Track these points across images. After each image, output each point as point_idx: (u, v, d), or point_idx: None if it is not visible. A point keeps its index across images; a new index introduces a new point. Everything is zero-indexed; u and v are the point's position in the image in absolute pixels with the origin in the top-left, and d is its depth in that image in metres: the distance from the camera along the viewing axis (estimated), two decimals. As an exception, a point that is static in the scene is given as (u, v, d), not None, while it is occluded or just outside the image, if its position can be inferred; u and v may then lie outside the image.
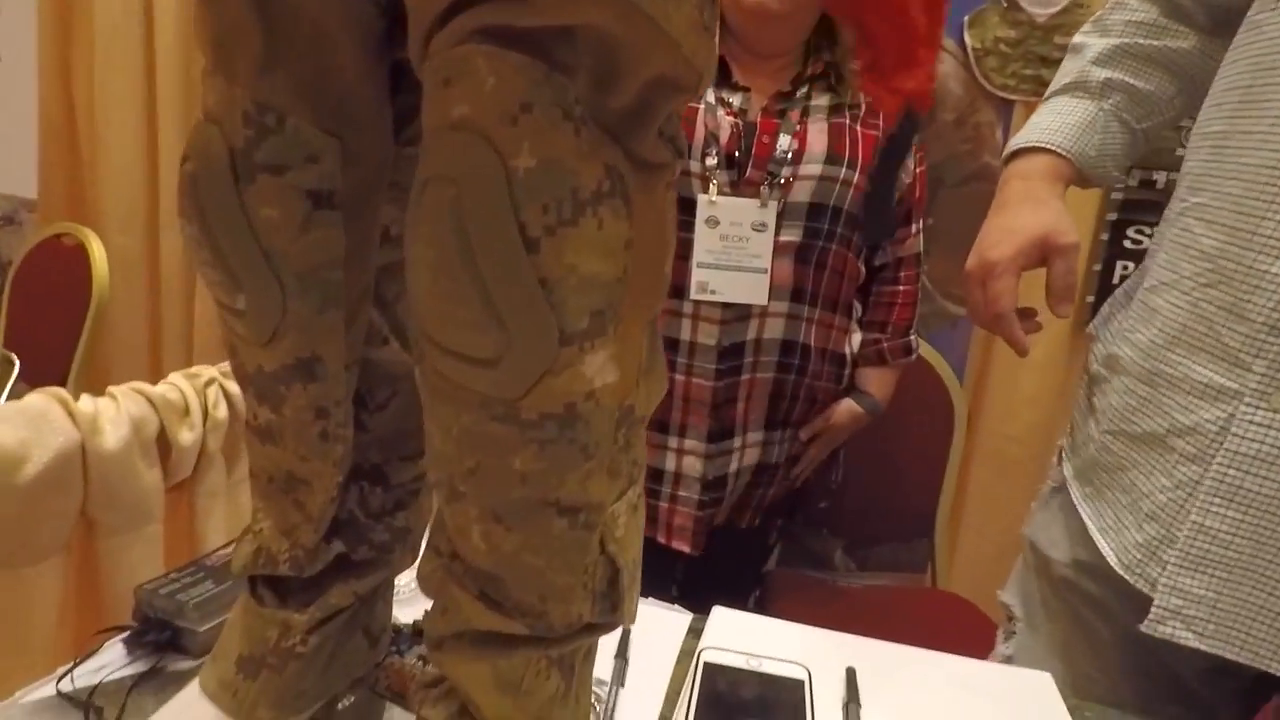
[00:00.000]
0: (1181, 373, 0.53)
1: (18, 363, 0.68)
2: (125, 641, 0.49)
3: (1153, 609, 0.52)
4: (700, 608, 0.62)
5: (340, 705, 0.47)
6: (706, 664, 0.52)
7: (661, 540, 1.15)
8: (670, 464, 1.15)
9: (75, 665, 0.46)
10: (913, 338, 1.21)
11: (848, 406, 1.20)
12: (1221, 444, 0.49)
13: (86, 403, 0.51)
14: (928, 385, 1.36)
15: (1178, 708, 0.57)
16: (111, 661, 0.47)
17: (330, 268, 0.34)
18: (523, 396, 0.29)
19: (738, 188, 1.05)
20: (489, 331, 0.28)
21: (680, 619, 0.61)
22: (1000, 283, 0.61)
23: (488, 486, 0.31)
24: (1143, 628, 0.52)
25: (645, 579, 0.47)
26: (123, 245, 1.68)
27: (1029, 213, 0.63)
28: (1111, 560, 0.55)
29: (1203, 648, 0.50)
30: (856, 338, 1.21)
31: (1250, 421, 0.48)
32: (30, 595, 0.49)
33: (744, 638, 0.55)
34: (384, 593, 0.47)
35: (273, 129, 0.31)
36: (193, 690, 0.41)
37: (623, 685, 0.53)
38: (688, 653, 0.56)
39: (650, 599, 0.64)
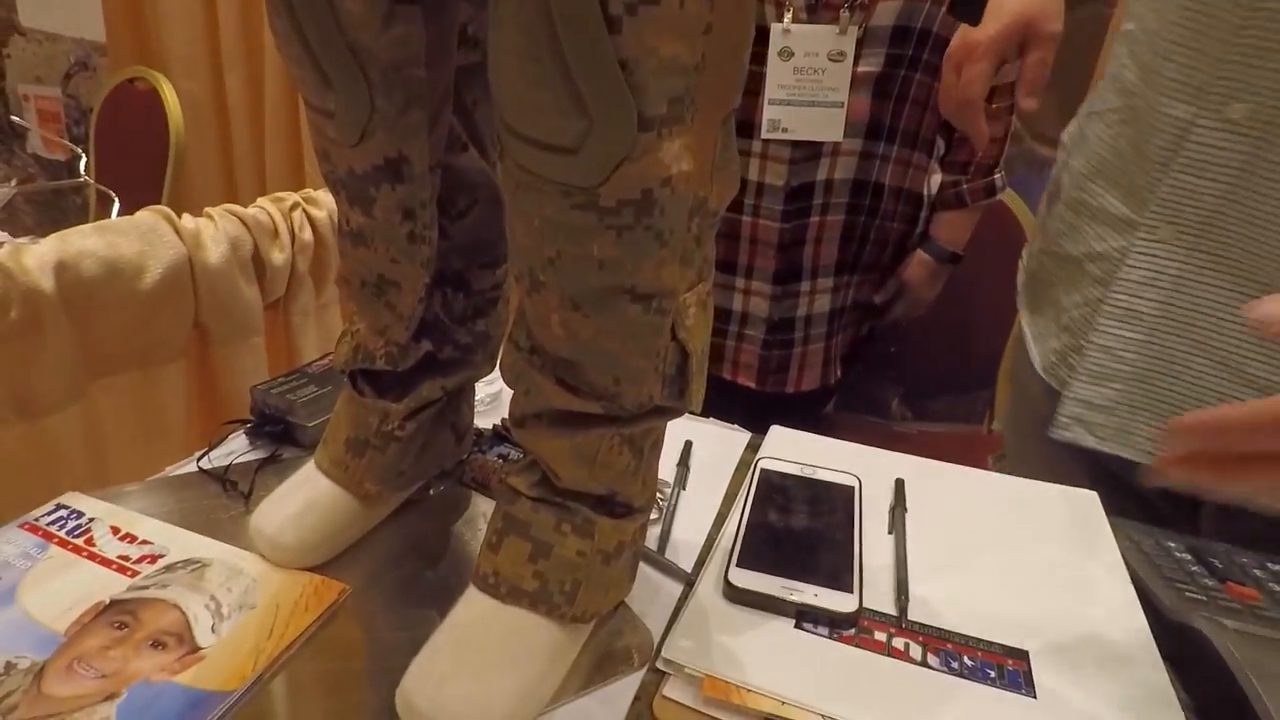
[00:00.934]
0: (1099, 204, 0.57)
1: (117, 200, 0.73)
2: (246, 433, 0.55)
3: (1057, 417, 0.59)
4: (760, 434, 0.65)
5: (432, 492, 0.53)
6: (763, 470, 0.56)
7: (727, 376, 1.19)
8: (737, 304, 1.16)
9: (209, 449, 0.53)
10: (998, 176, 1.14)
11: (920, 262, 1.17)
12: (1119, 270, 0.55)
13: (189, 220, 0.55)
14: (1005, 231, 1.31)
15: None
16: (237, 448, 0.54)
17: (413, 64, 0.35)
18: (602, 183, 0.30)
19: (815, 13, 0.98)
20: (571, 117, 0.29)
21: (740, 436, 0.65)
22: (975, 68, 0.61)
23: (567, 274, 0.33)
24: (1050, 434, 0.59)
25: (709, 409, 0.50)
26: (189, 90, 1.70)
27: None
28: (1036, 364, 0.63)
29: (1101, 449, 0.58)
30: (936, 179, 1.15)
31: (1142, 253, 0.54)
32: (163, 391, 0.56)
33: (800, 452, 0.58)
34: (467, 395, 0.51)
35: None
36: (310, 468, 0.46)
37: (684, 488, 0.57)
38: (745, 464, 0.60)
39: (711, 419, 0.68)
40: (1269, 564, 0.52)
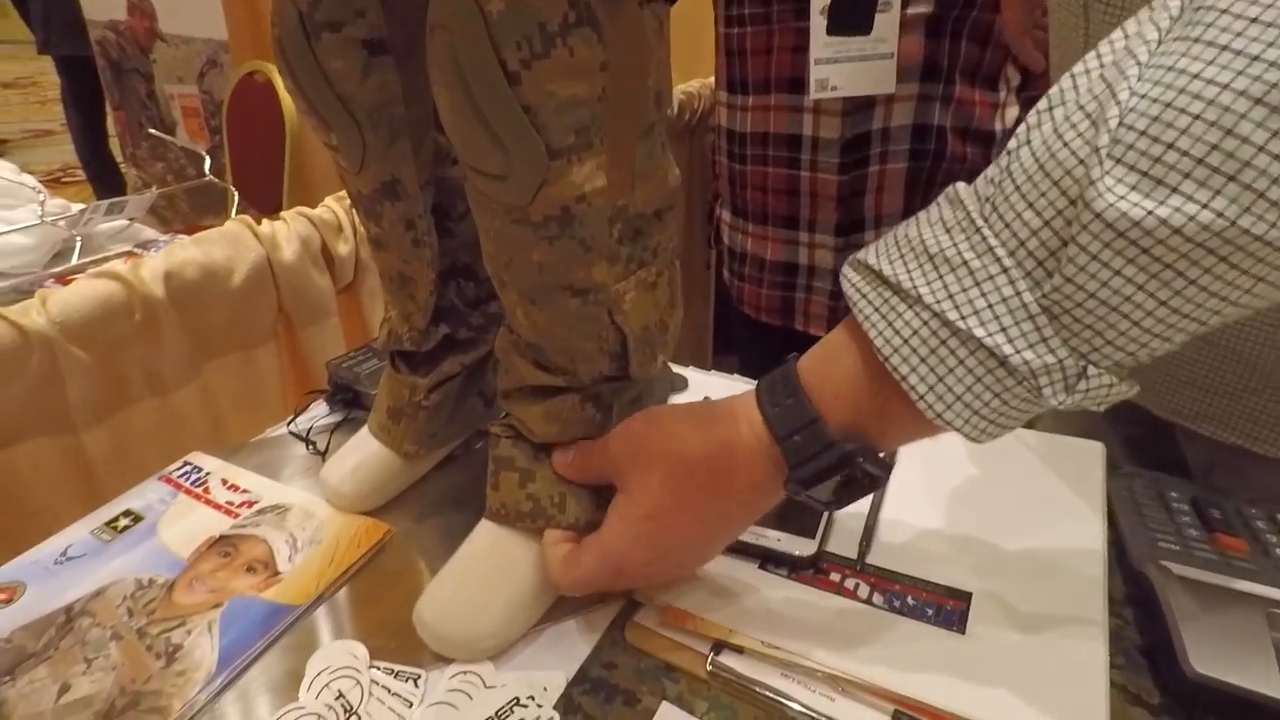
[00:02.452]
0: None
1: (236, 194, 0.86)
2: (325, 400, 0.66)
3: None
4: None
5: (475, 447, 0.62)
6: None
7: (799, 328, 1.21)
8: (803, 258, 1.18)
9: (296, 415, 0.64)
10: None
11: None
12: None
13: (266, 226, 0.66)
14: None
15: None
16: (319, 414, 0.65)
17: (392, 104, 0.42)
18: (530, 203, 0.36)
19: (857, -38, 0.96)
20: (494, 154, 0.35)
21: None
22: None
23: (519, 276, 0.40)
24: None
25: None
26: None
27: None
28: None
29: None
30: (1013, 111, 1.10)
31: None
32: (260, 368, 0.69)
33: None
34: (491, 366, 0.60)
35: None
36: (364, 431, 0.56)
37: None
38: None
39: (736, 376, 0.73)
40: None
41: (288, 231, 0.68)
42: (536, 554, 0.45)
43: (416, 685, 0.42)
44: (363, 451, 0.55)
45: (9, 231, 0.92)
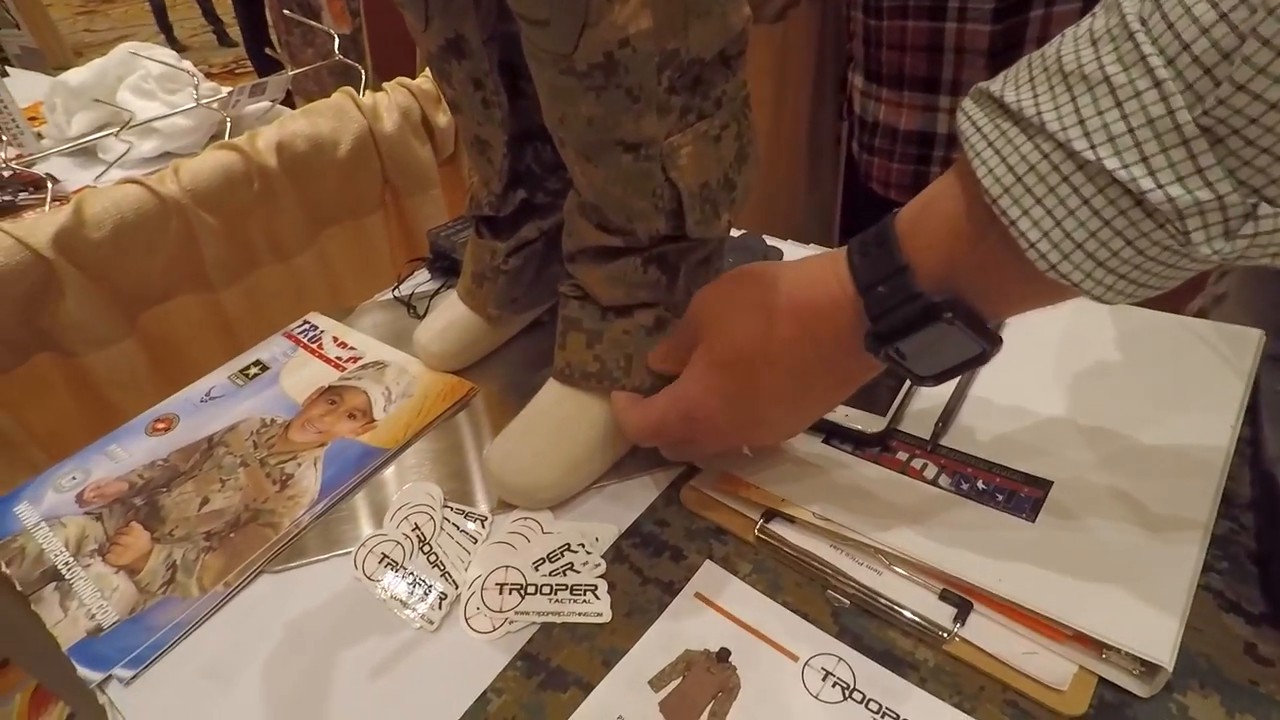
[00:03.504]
0: None
1: (364, 72, 0.89)
2: (426, 267, 0.70)
3: None
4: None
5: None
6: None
7: None
8: (941, 126, 1.07)
9: (400, 281, 0.68)
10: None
11: None
12: None
13: (368, 97, 0.68)
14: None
15: None
16: (420, 280, 0.69)
17: None
18: (574, 51, 0.34)
19: None
20: (530, 7, 0.33)
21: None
22: None
23: (573, 131, 0.38)
24: None
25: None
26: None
27: None
28: None
29: None
30: None
31: None
32: (371, 235, 0.73)
33: None
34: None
35: None
36: (454, 295, 0.59)
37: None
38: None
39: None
40: None
41: (388, 102, 0.69)
42: (598, 413, 0.46)
43: (483, 525, 0.45)
44: (451, 314, 0.58)
45: (172, 114, 1.02)
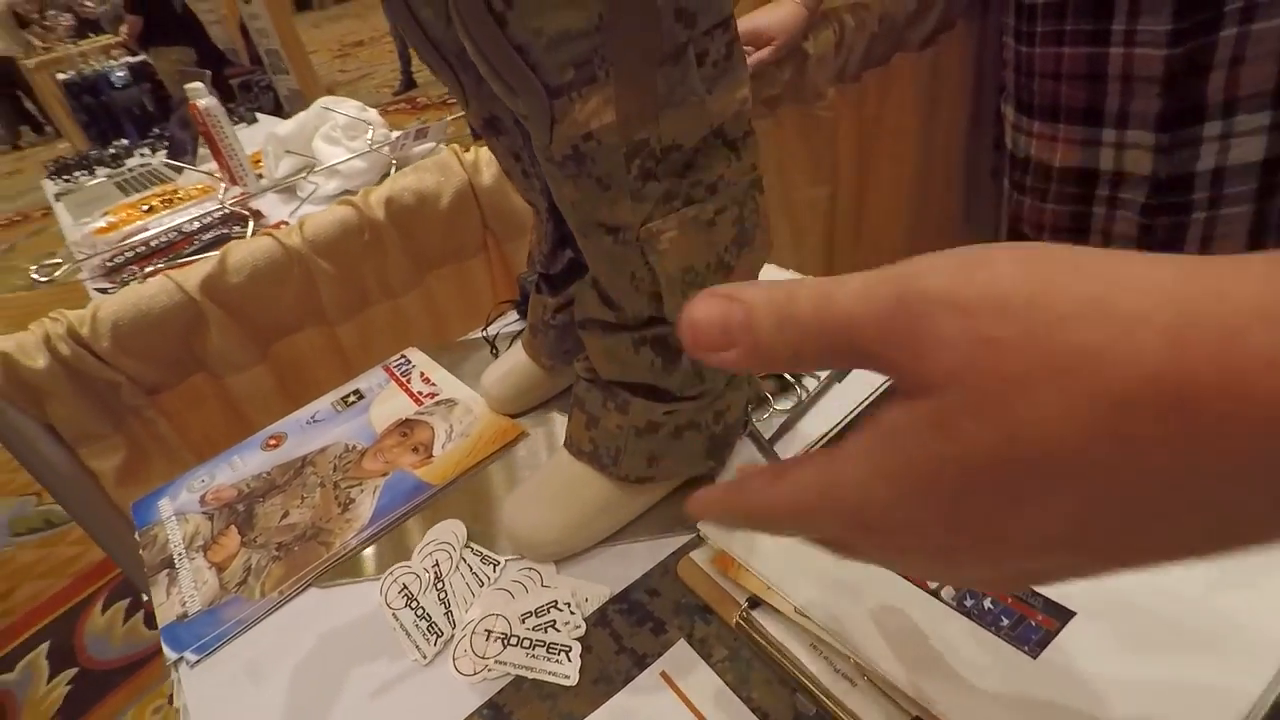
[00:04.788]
0: None
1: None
2: (515, 309, 0.75)
3: None
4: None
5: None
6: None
7: None
8: (1106, 162, 0.96)
9: (488, 322, 0.74)
10: None
11: None
12: None
13: (470, 154, 0.75)
14: None
15: None
16: (508, 321, 0.74)
17: None
18: (550, 143, 0.36)
19: None
20: (509, 96, 0.36)
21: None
22: None
23: (567, 211, 0.40)
24: None
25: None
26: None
27: None
28: None
29: None
30: None
31: None
32: (472, 278, 0.80)
33: None
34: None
35: None
36: (519, 342, 0.63)
37: (839, 381, 0.58)
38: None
39: None
40: None
41: (488, 158, 0.76)
42: (599, 483, 0.47)
43: (494, 570, 0.49)
44: (513, 360, 0.62)
45: (350, 158, 1.17)
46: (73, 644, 1.61)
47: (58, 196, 1.68)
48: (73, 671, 1.54)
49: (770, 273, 0.75)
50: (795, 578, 0.41)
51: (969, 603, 0.38)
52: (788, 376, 0.58)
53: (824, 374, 0.59)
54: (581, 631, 0.43)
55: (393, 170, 1.20)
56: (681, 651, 0.41)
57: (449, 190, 0.75)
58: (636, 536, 0.49)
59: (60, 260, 1.05)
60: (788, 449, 0.53)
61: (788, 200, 1.14)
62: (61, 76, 2.67)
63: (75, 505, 0.66)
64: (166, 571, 0.55)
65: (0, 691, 1.54)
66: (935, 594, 0.39)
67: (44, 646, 1.62)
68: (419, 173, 0.74)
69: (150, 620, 1.51)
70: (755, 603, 0.41)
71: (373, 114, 1.29)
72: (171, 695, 0.48)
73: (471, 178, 0.76)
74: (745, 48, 1.01)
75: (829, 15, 1.08)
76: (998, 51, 1.16)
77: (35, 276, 1.01)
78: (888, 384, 0.51)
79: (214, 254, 0.66)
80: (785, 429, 0.55)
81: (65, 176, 1.80)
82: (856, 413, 0.51)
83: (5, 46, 6.20)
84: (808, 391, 0.58)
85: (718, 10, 0.35)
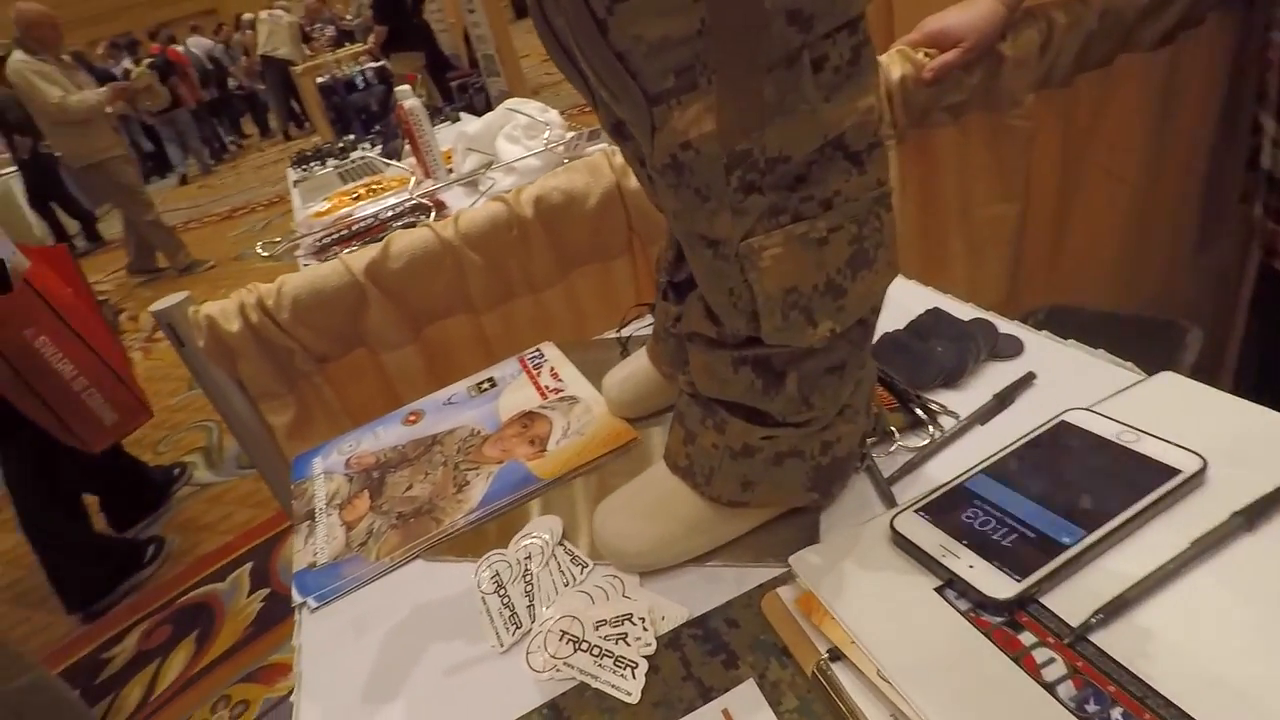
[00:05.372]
0: None
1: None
2: (650, 311, 0.75)
3: None
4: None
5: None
6: (1063, 423, 0.46)
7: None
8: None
9: (623, 323, 0.75)
10: None
11: None
12: None
13: (619, 156, 0.75)
14: None
15: None
16: (644, 323, 0.75)
17: None
18: (652, 152, 0.35)
19: None
20: (613, 102, 0.35)
21: (1126, 377, 0.52)
22: None
23: (671, 222, 0.39)
24: None
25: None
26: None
27: None
28: None
29: None
30: None
31: None
32: (615, 277, 0.81)
33: (1163, 411, 0.45)
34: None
35: None
36: (644, 349, 0.63)
37: (982, 423, 0.52)
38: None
39: (1101, 351, 0.56)
40: None
41: (636, 160, 0.76)
42: (691, 500, 0.46)
43: (581, 572, 0.49)
44: (635, 364, 0.62)
45: (526, 156, 1.24)
46: (269, 568, 1.85)
47: (295, 183, 1.94)
48: (265, 591, 1.78)
49: (912, 290, 0.69)
50: (884, 635, 0.37)
51: (1092, 708, 0.32)
52: (920, 412, 0.53)
53: (964, 414, 0.53)
54: (651, 650, 0.42)
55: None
56: (749, 691, 0.39)
57: (597, 191, 0.76)
58: (725, 561, 0.47)
59: (280, 240, 1.21)
60: (907, 491, 0.49)
61: (966, 216, 1.04)
62: (319, 80, 3.07)
63: (255, 452, 0.76)
64: (308, 523, 0.61)
65: (213, 596, 1.82)
66: (1050, 689, 0.33)
67: (248, 566, 1.88)
68: (569, 173, 0.76)
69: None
70: (836, 655, 0.38)
71: (553, 115, 1.35)
72: (294, 634, 0.53)
73: (620, 180, 0.77)
74: (929, 50, 0.94)
75: (1034, 12, 0.97)
76: (1259, 51, 0.98)
77: (260, 252, 1.17)
78: (1050, 423, 0.45)
79: (379, 241, 0.73)
80: (909, 469, 0.50)
81: (303, 166, 2.08)
82: (999, 459, 0.45)
83: (288, 51, 7.30)
84: (942, 431, 0.52)
85: (841, 11, 0.32)
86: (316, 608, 0.53)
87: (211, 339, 0.69)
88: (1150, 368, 0.52)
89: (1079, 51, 1.00)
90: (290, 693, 0.48)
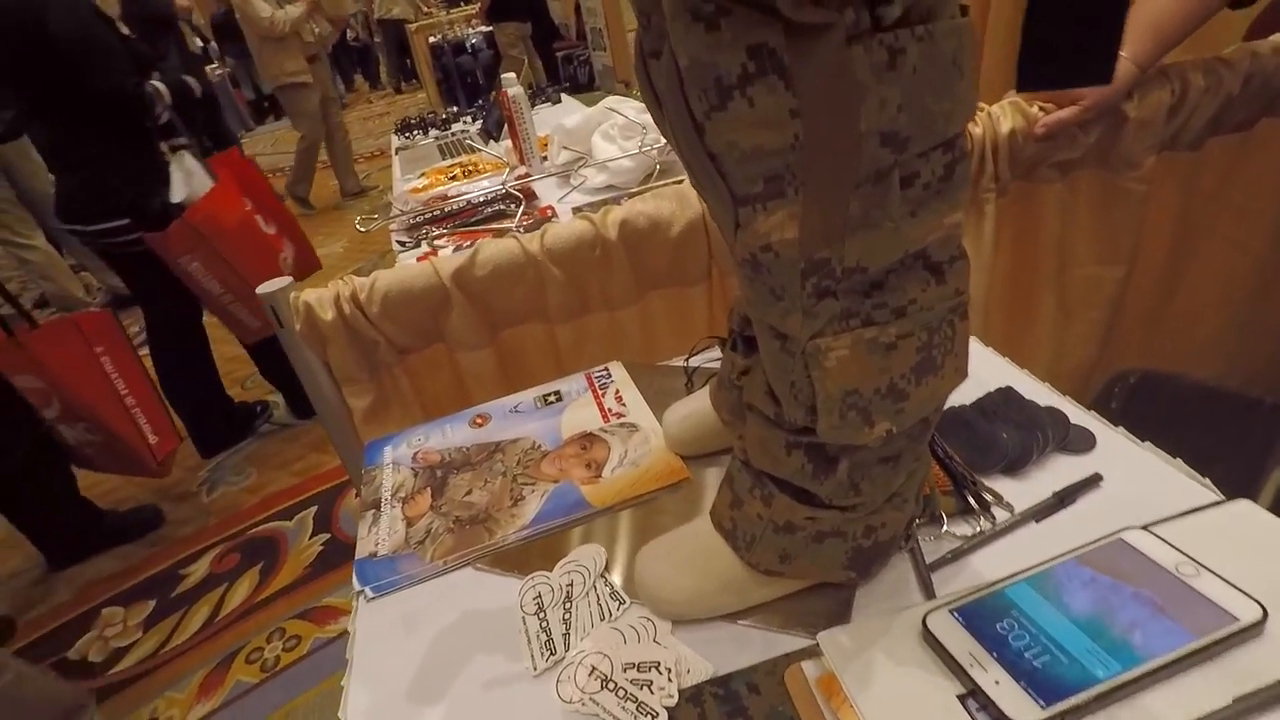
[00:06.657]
0: None
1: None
2: (719, 346, 0.76)
3: None
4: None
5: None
6: (1121, 541, 0.45)
7: None
8: None
9: (691, 354, 0.76)
10: None
11: None
12: None
13: (710, 187, 0.76)
14: None
15: None
16: (712, 355, 0.76)
17: None
18: (734, 244, 0.37)
19: None
20: (701, 192, 0.36)
21: (1202, 494, 0.50)
22: None
23: (744, 306, 0.40)
24: None
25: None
26: None
27: None
28: None
29: None
30: None
31: None
32: (692, 304, 0.82)
33: (1234, 544, 0.43)
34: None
35: (644, 26, 0.43)
36: (707, 388, 0.64)
37: (1037, 521, 0.51)
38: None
39: (1177, 461, 0.54)
40: None
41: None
42: (731, 560, 0.47)
43: (618, 608, 0.51)
44: (697, 403, 0.63)
45: (619, 158, 1.26)
46: (331, 514, 1.97)
47: (397, 150, 2.01)
48: (326, 536, 1.89)
49: (989, 360, 0.66)
50: (900, 737, 0.38)
51: None
52: (973, 501, 0.52)
53: (1021, 507, 0.52)
54: (673, 702, 0.44)
55: (656, 172, 1.26)
56: (760, 764, 0.40)
57: (681, 220, 0.77)
58: (755, 623, 0.48)
59: (376, 215, 1.27)
60: (948, 580, 0.49)
61: (1061, 275, 1.00)
62: (431, 40, 3.14)
63: (334, 429, 0.81)
64: (373, 511, 0.65)
65: (279, 533, 1.95)
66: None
67: (313, 509, 2.00)
68: (657, 200, 0.77)
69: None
70: (850, 745, 0.39)
71: (649, 118, 1.36)
72: (350, 619, 0.58)
73: (705, 211, 0.78)
74: (1046, 105, 0.90)
75: (1168, 71, 0.92)
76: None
77: (358, 227, 1.23)
78: (1106, 540, 0.44)
79: (468, 248, 0.76)
80: (954, 557, 0.50)
81: (406, 134, 2.15)
82: (1045, 570, 0.45)
83: (401, 11, 7.52)
84: (993, 523, 0.52)
85: (939, 132, 0.33)
86: (373, 598, 0.57)
87: (307, 324, 0.74)
88: (1245, 453, 0.49)
89: (1214, 116, 0.94)
90: (339, 635, 0.52)
